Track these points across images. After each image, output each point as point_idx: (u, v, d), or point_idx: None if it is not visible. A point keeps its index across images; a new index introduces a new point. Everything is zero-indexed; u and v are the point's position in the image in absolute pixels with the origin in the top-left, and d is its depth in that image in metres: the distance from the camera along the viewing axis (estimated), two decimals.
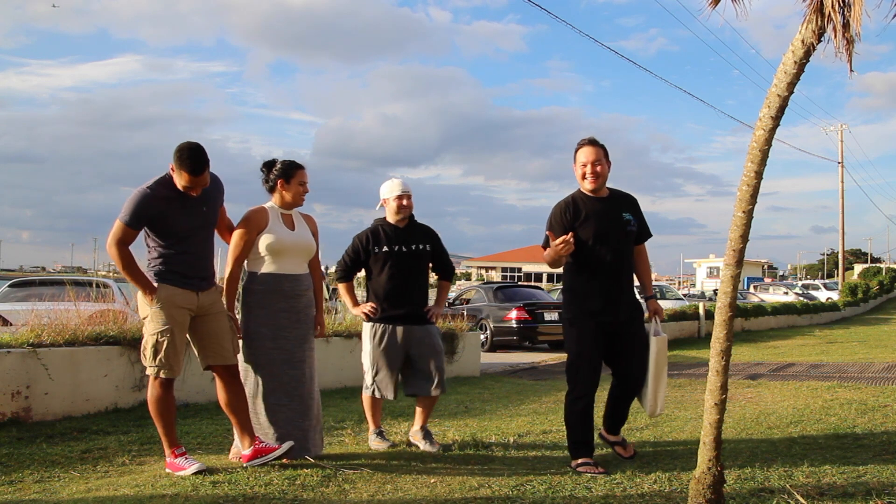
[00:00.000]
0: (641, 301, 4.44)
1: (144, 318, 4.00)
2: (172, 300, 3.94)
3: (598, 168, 4.22)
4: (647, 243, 4.58)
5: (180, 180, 3.89)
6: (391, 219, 4.76)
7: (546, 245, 4.23)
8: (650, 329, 4.32)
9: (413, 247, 4.72)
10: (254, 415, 4.20)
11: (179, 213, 3.96)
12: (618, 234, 4.24)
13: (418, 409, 4.78)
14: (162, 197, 3.91)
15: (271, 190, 4.36)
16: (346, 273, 4.80)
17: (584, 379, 4.19)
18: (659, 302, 4.60)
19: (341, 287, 4.83)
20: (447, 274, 4.98)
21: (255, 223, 4.24)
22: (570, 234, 4.06)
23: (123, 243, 3.89)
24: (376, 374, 4.66)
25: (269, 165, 4.38)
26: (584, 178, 4.25)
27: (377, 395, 4.70)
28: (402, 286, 4.68)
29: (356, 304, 4.79)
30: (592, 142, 4.27)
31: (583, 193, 4.31)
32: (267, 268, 4.26)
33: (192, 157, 3.85)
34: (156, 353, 3.92)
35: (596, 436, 4.37)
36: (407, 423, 4.99)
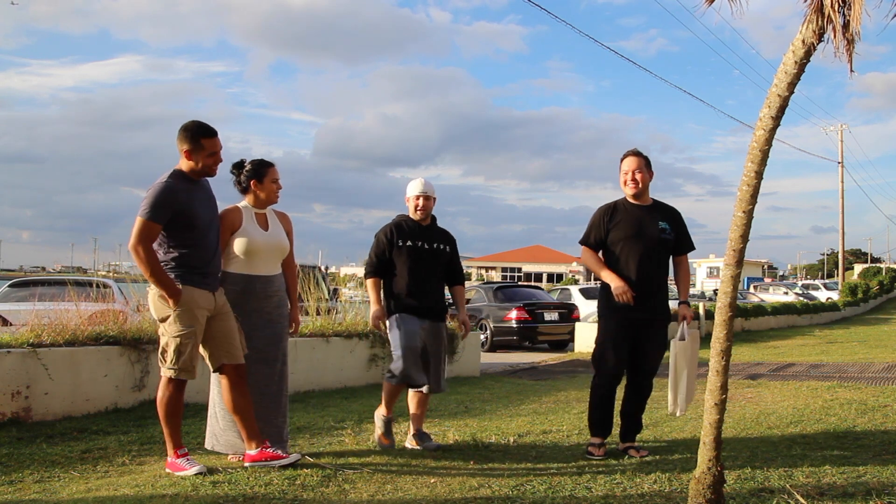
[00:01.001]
0: (674, 305, 4.71)
1: (163, 321, 3.94)
2: (196, 301, 3.91)
3: (639, 175, 4.53)
4: None
5: (202, 154, 3.96)
6: (413, 216, 4.84)
7: (583, 242, 4.65)
8: (677, 332, 4.48)
9: (434, 245, 4.80)
10: (225, 411, 4.20)
11: (198, 204, 3.97)
12: (649, 240, 4.48)
13: (413, 413, 4.81)
14: (182, 189, 3.92)
15: (244, 191, 4.40)
16: (374, 270, 4.78)
17: (607, 365, 4.50)
18: None
19: (368, 283, 4.80)
20: (460, 278, 5.04)
21: (228, 223, 4.24)
22: (629, 291, 4.35)
23: (150, 240, 3.83)
24: (407, 359, 4.58)
25: (238, 167, 4.41)
26: (625, 184, 4.55)
27: (406, 382, 4.64)
28: (423, 281, 4.73)
29: (378, 303, 4.75)
30: (636, 153, 4.60)
31: (626, 200, 4.63)
32: (239, 268, 4.26)
33: (202, 124, 4.01)
34: (179, 355, 3.88)
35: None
36: (407, 422, 4.99)
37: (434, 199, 4.86)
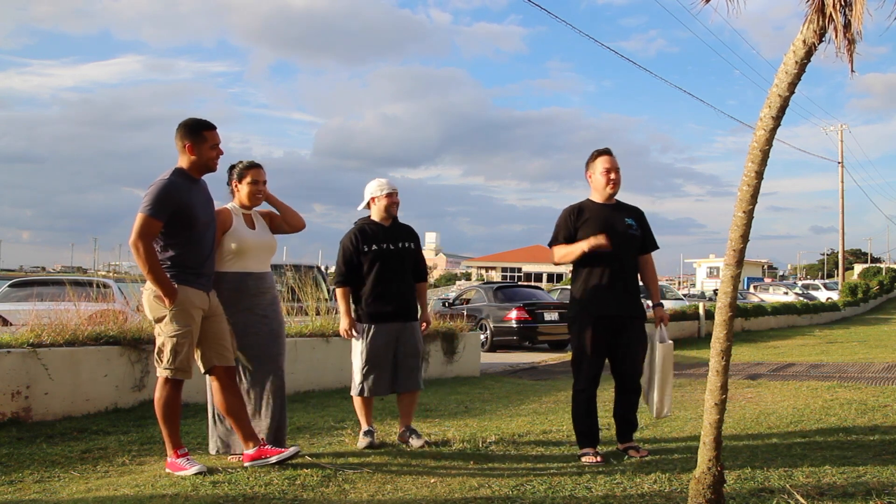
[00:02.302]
0: (648, 304, 4.66)
1: (159, 321, 3.92)
2: (191, 301, 3.92)
3: (618, 175, 4.53)
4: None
5: (205, 145, 3.97)
6: (377, 217, 4.85)
7: (552, 244, 4.58)
8: (656, 335, 4.48)
9: (400, 244, 4.82)
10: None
11: (197, 204, 3.98)
12: (618, 236, 4.43)
13: (402, 411, 4.85)
14: (184, 188, 3.93)
15: (232, 192, 4.45)
16: (344, 279, 4.79)
17: (586, 372, 4.45)
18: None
19: (339, 292, 4.81)
20: (423, 275, 5.04)
21: (220, 223, 4.27)
22: (603, 235, 4.32)
23: (150, 237, 3.82)
24: (368, 373, 4.70)
25: (232, 168, 4.46)
26: (607, 183, 4.52)
27: (367, 394, 4.73)
28: (391, 284, 4.76)
29: (348, 314, 4.76)
30: (610, 151, 4.57)
31: (591, 201, 4.60)
32: (231, 267, 4.28)
33: (201, 118, 4.05)
34: (175, 355, 3.88)
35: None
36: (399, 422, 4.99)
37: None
